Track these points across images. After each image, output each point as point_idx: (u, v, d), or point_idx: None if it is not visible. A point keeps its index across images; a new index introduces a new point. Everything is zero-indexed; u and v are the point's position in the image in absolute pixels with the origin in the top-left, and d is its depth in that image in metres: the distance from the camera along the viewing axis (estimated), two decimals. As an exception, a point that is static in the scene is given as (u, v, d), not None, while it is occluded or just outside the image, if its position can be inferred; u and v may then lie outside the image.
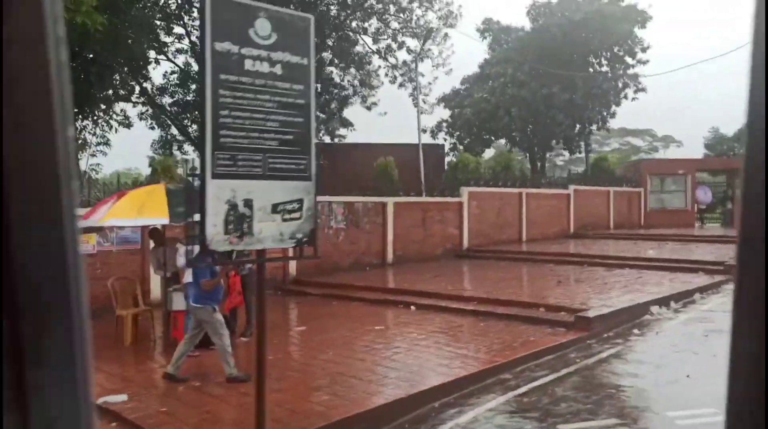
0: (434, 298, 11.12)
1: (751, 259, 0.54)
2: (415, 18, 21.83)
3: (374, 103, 25.33)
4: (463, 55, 29.10)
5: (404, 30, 22.07)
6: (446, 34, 22.50)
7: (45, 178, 0.54)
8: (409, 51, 23.97)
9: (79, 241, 0.59)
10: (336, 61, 23.26)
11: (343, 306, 11.21)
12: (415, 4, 21.74)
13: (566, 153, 28.94)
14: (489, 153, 31.53)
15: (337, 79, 24.40)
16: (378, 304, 11.20)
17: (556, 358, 7.78)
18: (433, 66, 23.46)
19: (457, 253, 18.16)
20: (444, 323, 9.50)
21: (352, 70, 23.57)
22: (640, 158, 60.57)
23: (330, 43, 22.31)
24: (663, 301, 10.67)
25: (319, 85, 23.68)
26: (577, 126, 24.79)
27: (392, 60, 23.73)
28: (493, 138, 26.99)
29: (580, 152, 27.80)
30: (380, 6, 21.94)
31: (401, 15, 21.70)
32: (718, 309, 10.46)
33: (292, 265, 13.66)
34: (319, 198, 14.86)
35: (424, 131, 25.40)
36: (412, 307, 10.74)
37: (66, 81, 0.56)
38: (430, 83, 24.18)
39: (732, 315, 0.56)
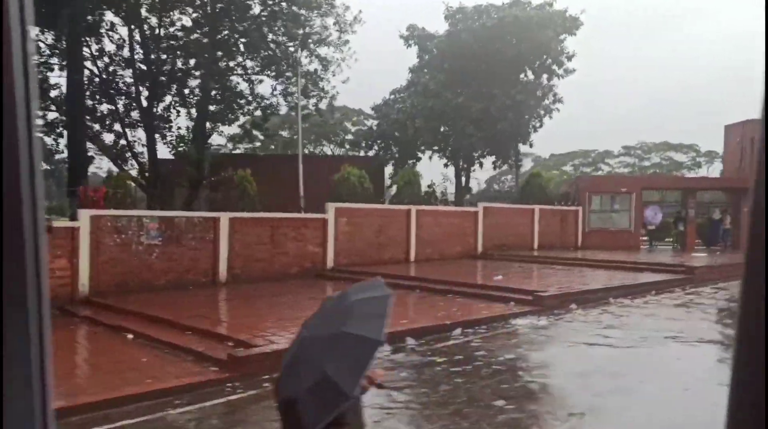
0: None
1: (757, 271, 0.55)
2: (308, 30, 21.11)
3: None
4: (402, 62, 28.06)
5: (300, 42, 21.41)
6: (347, 41, 21.75)
7: (8, 178, 0.53)
8: (321, 60, 23.29)
9: (43, 243, 0.58)
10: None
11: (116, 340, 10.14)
12: (314, 13, 21.04)
13: (506, 166, 27.39)
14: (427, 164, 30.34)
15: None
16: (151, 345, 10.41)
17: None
18: (331, 74, 22.68)
19: (318, 272, 17.21)
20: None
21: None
22: (580, 174, 57.82)
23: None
24: (415, 333, 9.61)
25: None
26: (495, 138, 23.40)
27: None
28: (421, 150, 25.84)
29: (518, 164, 26.37)
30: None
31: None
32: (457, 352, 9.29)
33: (84, 280, 13.01)
34: (129, 212, 14.45)
35: (354, 143, 24.63)
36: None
37: (33, 80, 0.56)
38: (332, 95, 23.43)
39: (738, 323, 0.59)
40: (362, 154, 26.68)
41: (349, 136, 24.67)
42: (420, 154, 26.71)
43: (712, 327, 11.14)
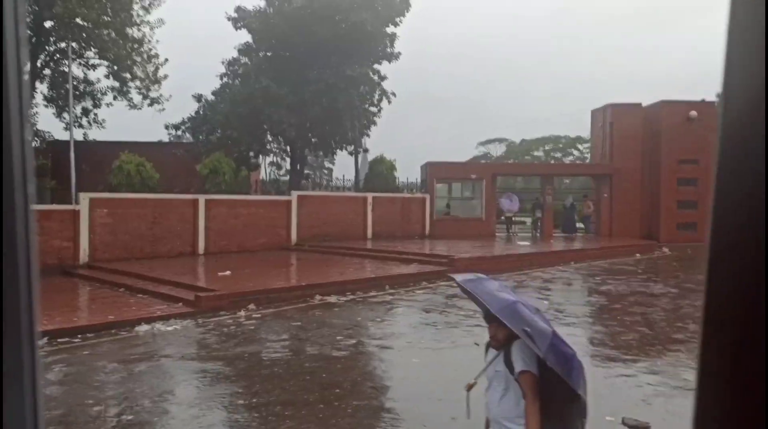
0: None
1: (721, 271, 0.54)
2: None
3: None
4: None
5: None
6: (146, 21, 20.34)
7: None
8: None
9: (34, 244, 0.58)
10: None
11: None
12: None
13: (349, 156, 26.01)
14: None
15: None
16: None
17: None
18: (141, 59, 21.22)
19: (67, 269, 15.92)
20: None
21: None
22: (549, 160, 56.95)
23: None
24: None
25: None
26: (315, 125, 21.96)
27: None
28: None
29: (357, 152, 24.98)
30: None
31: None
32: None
33: None
34: None
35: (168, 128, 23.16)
36: None
37: (24, 82, 0.57)
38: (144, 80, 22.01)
39: (702, 328, 0.57)
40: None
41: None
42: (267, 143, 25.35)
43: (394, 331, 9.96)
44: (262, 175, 26.76)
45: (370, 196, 22.93)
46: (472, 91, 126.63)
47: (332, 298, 12.43)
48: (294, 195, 20.95)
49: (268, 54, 22.25)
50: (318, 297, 12.49)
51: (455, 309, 11.30)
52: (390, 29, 22.86)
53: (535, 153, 69.80)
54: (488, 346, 3.36)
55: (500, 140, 79.06)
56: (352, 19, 20.49)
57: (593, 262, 18.61)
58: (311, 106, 20.60)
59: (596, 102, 24.76)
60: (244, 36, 22.85)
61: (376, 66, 24.01)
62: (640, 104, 26.28)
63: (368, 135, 24.96)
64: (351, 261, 17.02)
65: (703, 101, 26.28)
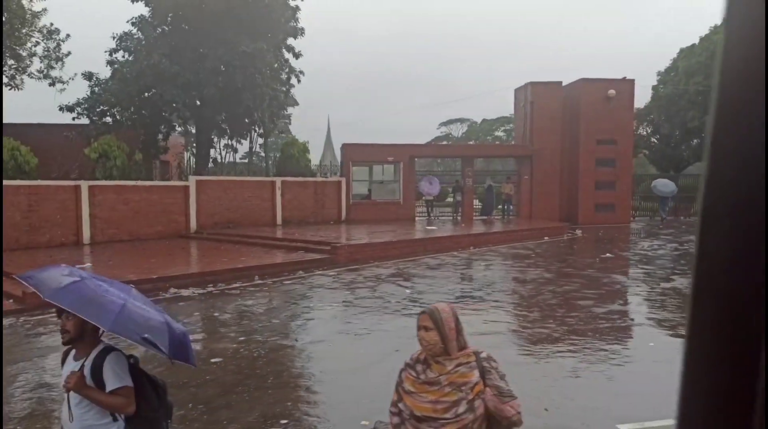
0: None
1: (709, 259, 0.56)
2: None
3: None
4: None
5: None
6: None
7: None
8: None
9: None
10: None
11: None
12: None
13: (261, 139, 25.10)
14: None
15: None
16: None
17: None
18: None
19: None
20: None
21: None
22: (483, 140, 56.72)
23: None
24: None
25: None
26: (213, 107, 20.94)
27: None
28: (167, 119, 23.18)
29: (266, 134, 24.07)
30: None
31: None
32: None
33: None
34: None
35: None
36: None
37: None
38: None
39: (689, 315, 0.59)
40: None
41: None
42: (176, 125, 24.31)
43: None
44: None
45: (279, 180, 22.18)
46: (446, 71, 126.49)
47: (188, 291, 11.74)
48: (192, 180, 20.07)
49: (166, 28, 21.10)
50: (172, 290, 11.78)
51: (306, 300, 10.78)
52: (293, 2, 21.93)
53: (497, 133, 69.60)
54: (66, 355, 3.07)
55: (462, 120, 78.66)
56: (251, -6, 19.52)
57: (494, 246, 18.29)
58: (206, 85, 19.64)
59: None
60: (140, 8, 21.66)
61: (289, 42, 23.16)
62: (560, 83, 25.94)
63: (280, 117, 24.05)
64: (238, 249, 16.33)
65: (624, 79, 26.08)
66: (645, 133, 44.05)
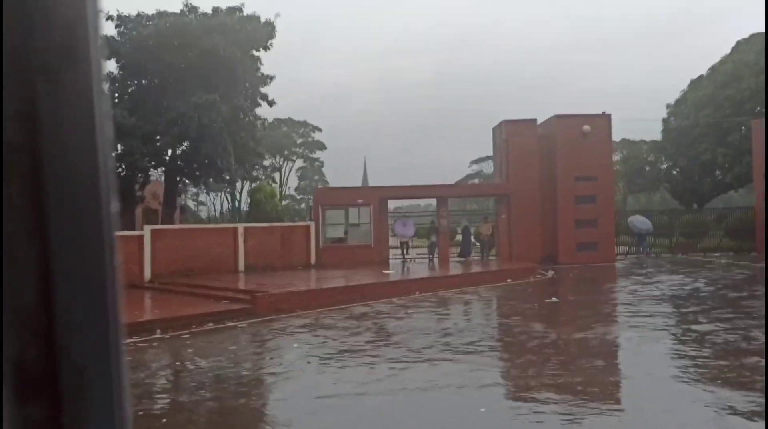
0: None
1: None
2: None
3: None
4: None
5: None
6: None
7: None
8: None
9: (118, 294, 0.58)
10: None
11: None
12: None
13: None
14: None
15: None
16: None
17: None
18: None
19: None
20: None
21: None
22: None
23: None
24: None
25: None
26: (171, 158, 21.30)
27: None
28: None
29: (233, 181, 24.26)
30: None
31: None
32: None
33: None
34: None
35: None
36: None
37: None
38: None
39: None
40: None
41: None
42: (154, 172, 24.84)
43: None
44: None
45: (241, 226, 22.16)
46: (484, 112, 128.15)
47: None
48: (147, 229, 20.23)
49: (135, 82, 21.79)
50: None
51: (167, 364, 10.42)
52: (260, 53, 22.30)
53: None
54: None
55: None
56: (203, 45, 19.93)
57: (443, 291, 17.59)
58: (163, 135, 20.00)
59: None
60: (111, 65, 22.48)
61: (264, 91, 23.52)
62: (534, 120, 25.36)
63: (253, 164, 24.22)
64: (171, 299, 16.21)
65: (603, 114, 25.31)
66: (665, 166, 42.52)
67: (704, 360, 9.08)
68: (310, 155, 62.63)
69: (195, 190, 23.50)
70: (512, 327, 12.12)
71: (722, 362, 8.78)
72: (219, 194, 27.90)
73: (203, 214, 36.68)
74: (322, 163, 66.96)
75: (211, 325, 13.33)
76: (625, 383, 8.21)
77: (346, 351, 10.69)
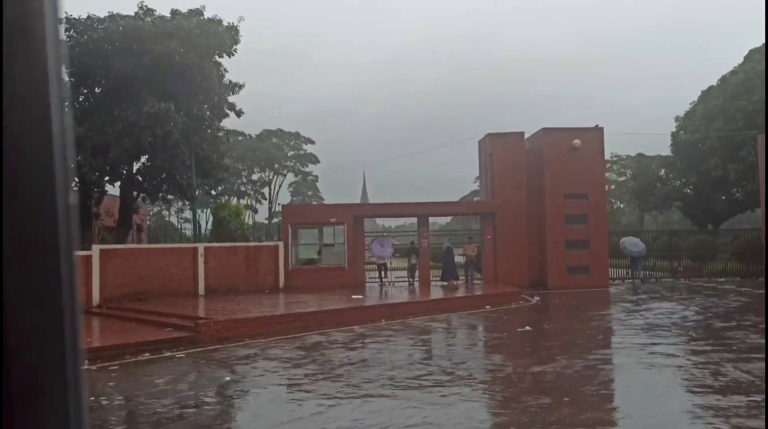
0: None
1: None
2: None
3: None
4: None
5: None
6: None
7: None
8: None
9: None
10: None
11: None
12: None
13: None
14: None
15: None
16: None
17: None
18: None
19: None
20: None
21: None
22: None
23: None
24: None
25: None
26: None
27: None
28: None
29: (193, 197, 22.54)
30: None
31: None
32: None
33: None
34: None
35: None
36: None
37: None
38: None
39: None
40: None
41: None
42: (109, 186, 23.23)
43: None
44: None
45: (201, 246, 20.47)
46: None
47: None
48: (95, 249, 18.55)
49: (85, 90, 20.28)
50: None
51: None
52: (223, 59, 20.86)
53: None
54: None
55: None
56: (156, 50, 18.46)
57: (411, 318, 15.80)
58: (113, 147, 18.43)
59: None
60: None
61: (231, 100, 22.03)
62: (522, 133, 23.72)
63: (218, 178, 22.62)
64: (111, 325, 14.57)
65: (595, 127, 23.69)
66: (678, 183, 40.45)
67: (659, 399, 7.59)
68: (302, 169, 60.60)
69: (179, 205, 21.92)
70: (469, 359, 10.71)
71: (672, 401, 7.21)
72: (204, 211, 26.24)
73: (188, 232, 35.00)
74: (316, 177, 64.82)
75: (147, 356, 11.68)
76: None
77: (280, 385, 9.34)
